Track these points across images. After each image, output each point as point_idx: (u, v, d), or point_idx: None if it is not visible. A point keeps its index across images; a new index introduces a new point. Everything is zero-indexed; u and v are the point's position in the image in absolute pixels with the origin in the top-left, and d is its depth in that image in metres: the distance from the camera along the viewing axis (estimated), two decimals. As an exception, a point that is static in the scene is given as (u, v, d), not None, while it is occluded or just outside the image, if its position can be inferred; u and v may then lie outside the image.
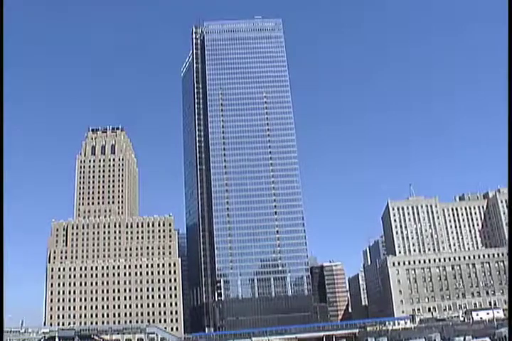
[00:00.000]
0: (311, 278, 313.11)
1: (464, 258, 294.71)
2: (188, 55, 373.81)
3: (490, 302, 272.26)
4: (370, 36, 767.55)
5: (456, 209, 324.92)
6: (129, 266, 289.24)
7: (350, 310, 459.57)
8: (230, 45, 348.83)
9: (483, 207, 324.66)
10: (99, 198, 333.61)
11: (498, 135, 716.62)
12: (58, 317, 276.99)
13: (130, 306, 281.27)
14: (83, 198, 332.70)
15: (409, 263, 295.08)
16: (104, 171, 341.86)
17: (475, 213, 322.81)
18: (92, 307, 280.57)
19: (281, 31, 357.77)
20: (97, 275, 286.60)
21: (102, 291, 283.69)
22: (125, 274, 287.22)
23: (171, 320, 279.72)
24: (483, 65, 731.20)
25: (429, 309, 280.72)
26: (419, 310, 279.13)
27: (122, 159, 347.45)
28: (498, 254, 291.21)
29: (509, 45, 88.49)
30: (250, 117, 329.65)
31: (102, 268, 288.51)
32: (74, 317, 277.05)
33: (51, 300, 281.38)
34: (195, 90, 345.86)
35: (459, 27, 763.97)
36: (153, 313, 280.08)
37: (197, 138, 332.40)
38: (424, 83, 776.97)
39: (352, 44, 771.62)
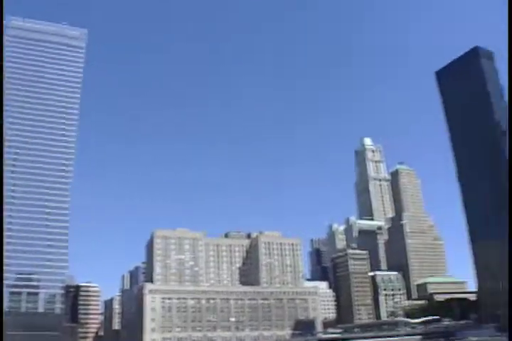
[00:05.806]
0: (65, 297, 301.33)
1: (221, 292, 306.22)
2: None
3: (238, 338, 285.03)
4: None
5: (220, 245, 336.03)
6: None
7: (102, 333, 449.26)
8: (30, 45, 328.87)
9: (245, 246, 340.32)
10: None
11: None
12: None
13: None
14: None
15: (166, 292, 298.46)
16: None
17: (238, 251, 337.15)
18: None
19: (84, 42, 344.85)
20: None
21: None
22: None
23: None
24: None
25: (180, 339, 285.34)
26: (170, 339, 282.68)
27: None
28: (253, 292, 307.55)
29: (509, 46, 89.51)
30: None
31: None
32: None
33: None
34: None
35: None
36: None
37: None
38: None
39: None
